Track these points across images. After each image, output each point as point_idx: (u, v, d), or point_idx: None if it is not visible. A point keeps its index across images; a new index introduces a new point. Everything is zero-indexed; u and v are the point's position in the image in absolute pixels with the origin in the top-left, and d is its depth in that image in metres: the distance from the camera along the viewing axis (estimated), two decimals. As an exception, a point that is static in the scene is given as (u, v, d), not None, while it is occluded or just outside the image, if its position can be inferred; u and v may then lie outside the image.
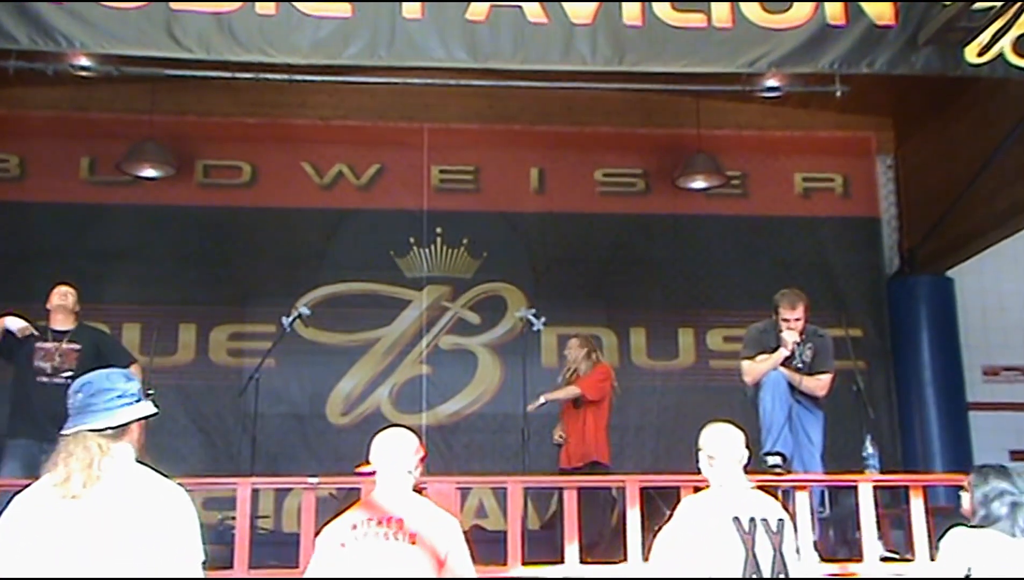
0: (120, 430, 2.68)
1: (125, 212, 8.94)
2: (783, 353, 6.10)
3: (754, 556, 3.68)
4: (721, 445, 3.96)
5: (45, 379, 6.02)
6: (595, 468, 6.90)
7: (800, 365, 6.21)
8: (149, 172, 8.64)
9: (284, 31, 5.74)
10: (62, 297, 6.28)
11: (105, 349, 6.23)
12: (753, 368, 6.20)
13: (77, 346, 6.15)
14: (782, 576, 3.70)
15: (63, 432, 2.67)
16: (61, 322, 6.26)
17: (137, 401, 2.74)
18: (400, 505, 3.79)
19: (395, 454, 3.91)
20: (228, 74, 6.54)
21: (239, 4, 5.70)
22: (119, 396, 2.70)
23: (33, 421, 5.80)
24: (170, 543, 2.54)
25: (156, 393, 6.89)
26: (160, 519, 2.55)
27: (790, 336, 6.11)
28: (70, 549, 2.49)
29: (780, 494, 5.37)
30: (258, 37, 5.70)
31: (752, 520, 3.75)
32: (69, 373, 5.88)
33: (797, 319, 6.15)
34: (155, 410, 2.79)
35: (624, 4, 5.85)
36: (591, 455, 6.95)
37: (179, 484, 2.70)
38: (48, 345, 6.14)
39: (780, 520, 3.82)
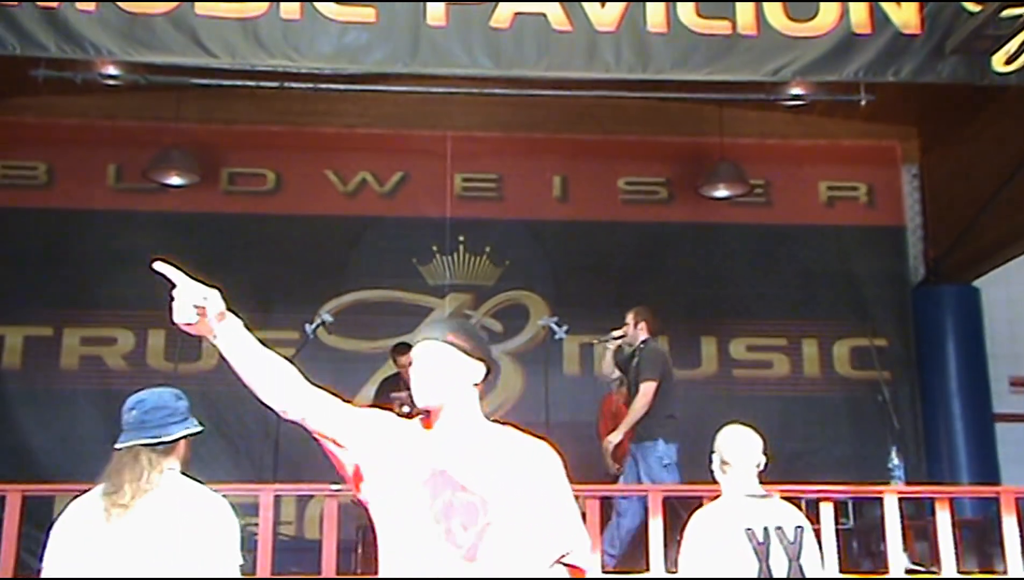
0: (170, 446, 2.92)
1: (151, 219, 9.00)
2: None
3: (768, 568, 3.54)
4: (736, 450, 3.80)
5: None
6: None
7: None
8: (175, 180, 8.69)
9: (308, 36, 5.77)
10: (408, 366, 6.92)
11: None
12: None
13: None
14: None
15: (117, 446, 2.89)
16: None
17: (185, 419, 3.00)
18: None
19: None
20: (253, 83, 6.59)
21: (263, 9, 5.74)
22: (170, 414, 2.95)
23: None
24: (210, 548, 2.76)
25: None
26: (202, 527, 2.79)
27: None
28: (117, 554, 2.70)
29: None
30: (282, 42, 5.74)
31: (766, 530, 3.60)
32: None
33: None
34: (201, 427, 3.05)
35: (649, 11, 5.84)
36: None
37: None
38: (401, 394, 7.05)
39: (798, 528, 3.66)
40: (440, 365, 2.51)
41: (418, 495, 2.37)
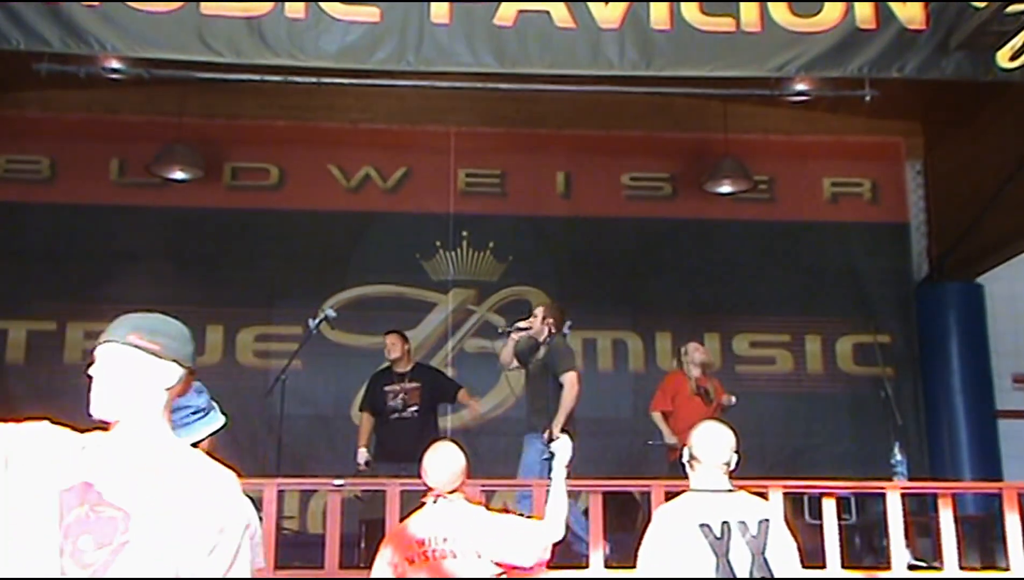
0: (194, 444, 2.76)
1: (154, 214, 9.02)
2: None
3: (728, 563, 3.44)
4: (706, 446, 3.72)
5: (396, 416, 7.20)
6: None
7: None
8: (178, 174, 8.71)
9: (313, 35, 5.77)
10: (394, 349, 7.35)
11: (437, 381, 7.50)
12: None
13: (417, 384, 7.26)
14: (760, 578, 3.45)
15: None
16: (401, 366, 7.36)
17: (207, 413, 2.83)
18: (461, 519, 3.79)
19: (452, 473, 3.87)
20: (257, 77, 6.57)
21: (268, 8, 5.74)
22: (193, 412, 2.79)
23: (392, 448, 7.03)
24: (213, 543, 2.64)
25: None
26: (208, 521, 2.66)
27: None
28: None
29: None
30: (287, 41, 5.75)
31: (726, 524, 3.50)
32: (415, 408, 7.18)
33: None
34: (224, 421, 2.86)
35: (652, 9, 5.83)
36: None
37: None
38: (395, 387, 7.29)
39: (763, 521, 3.55)
40: (120, 372, 2.18)
41: (50, 506, 2.06)
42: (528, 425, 6.59)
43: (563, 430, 6.19)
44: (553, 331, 6.65)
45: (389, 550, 3.81)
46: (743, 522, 3.53)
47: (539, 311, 6.75)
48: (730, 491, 3.70)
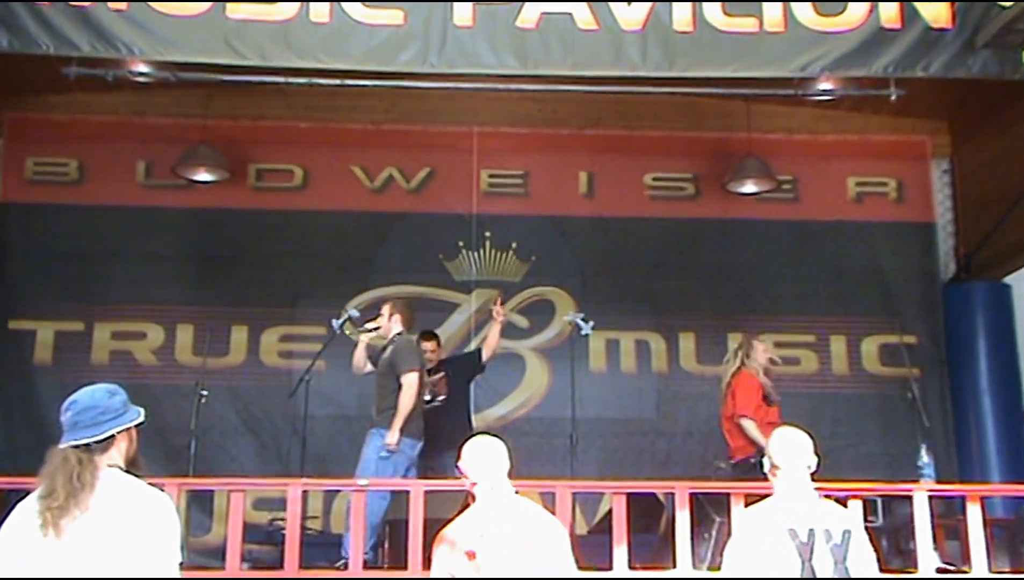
0: (105, 443, 2.91)
1: (179, 215, 9.09)
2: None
3: (812, 569, 3.54)
4: (786, 453, 3.82)
5: (427, 406, 6.99)
6: None
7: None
8: (203, 176, 8.77)
9: (337, 39, 5.81)
10: (433, 353, 7.39)
11: (457, 362, 7.57)
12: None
13: (440, 374, 7.27)
14: None
15: (55, 448, 2.92)
16: (430, 364, 7.32)
17: (120, 414, 2.97)
18: (513, 512, 3.75)
19: (502, 463, 3.84)
20: (281, 79, 6.64)
21: (294, 13, 5.77)
22: (102, 412, 2.93)
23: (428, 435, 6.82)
24: (149, 544, 2.77)
25: (210, 394, 7.01)
26: (138, 522, 2.79)
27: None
28: (55, 557, 2.74)
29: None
30: (312, 45, 5.78)
31: (811, 531, 3.60)
32: (443, 397, 7.17)
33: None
34: (140, 419, 3.01)
35: (675, 9, 5.82)
36: None
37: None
38: (427, 379, 7.21)
39: (846, 531, 3.66)
40: None
41: None
42: (372, 422, 6.55)
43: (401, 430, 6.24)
44: (401, 329, 6.65)
45: (445, 547, 3.72)
46: (828, 530, 3.64)
47: (386, 309, 6.75)
48: (815, 498, 3.81)
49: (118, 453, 2.94)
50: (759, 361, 6.86)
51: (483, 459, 3.84)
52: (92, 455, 2.87)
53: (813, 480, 3.87)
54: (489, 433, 4.06)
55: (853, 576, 3.57)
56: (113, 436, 2.92)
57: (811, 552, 3.57)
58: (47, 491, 2.80)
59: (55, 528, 2.74)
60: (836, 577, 3.56)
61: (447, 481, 5.94)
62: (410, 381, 6.40)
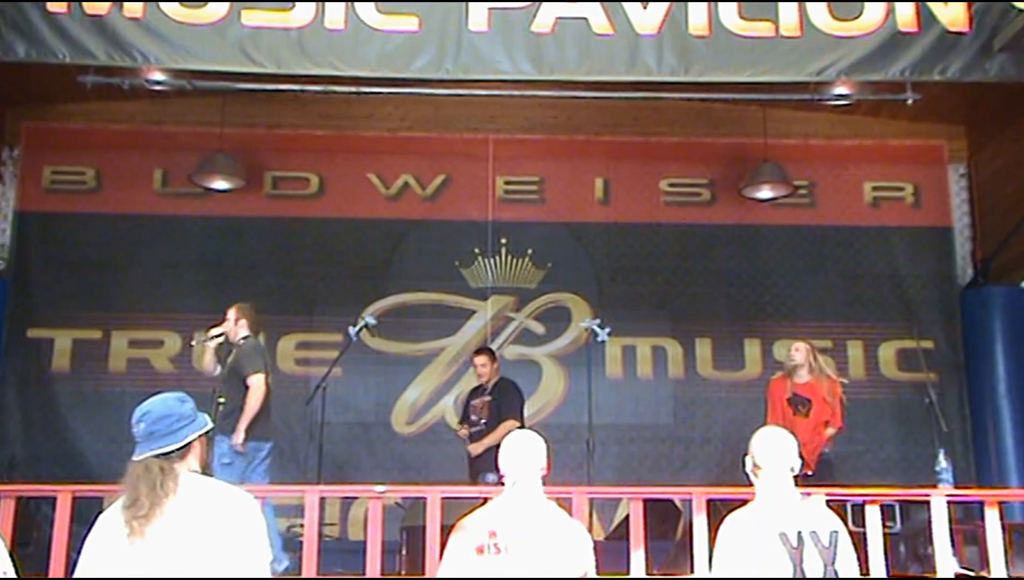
0: (183, 450, 2.94)
1: (196, 223, 9.13)
2: None
3: (802, 572, 3.49)
4: (769, 453, 3.74)
5: (475, 429, 7.33)
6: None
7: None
8: (220, 184, 8.80)
9: (352, 45, 5.81)
10: (483, 370, 7.56)
11: (502, 401, 7.38)
12: None
13: (490, 398, 7.38)
14: None
15: (132, 459, 2.94)
16: (485, 381, 7.55)
17: (193, 421, 3.01)
18: (537, 513, 3.68)
19: (532, 460, 3.78)
20: (297, 87, 6.65)
21: (309, 19, 5.80)
22: (177, 420, 2.97)
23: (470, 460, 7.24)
24: (236, 544, 2.79)
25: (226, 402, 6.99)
26: (228, 523, 2.81)
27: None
28: (144, 565, 2.75)
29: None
30: (327, 51, 5.80)
31: (800, 534, 3.55)
32: (485, 421, 7.25)
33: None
34: (210, 425, 3.06)
35: (691, 14, 5.81)
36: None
37: (247, 491, 2.91)
38: (476, 402, 7.50)
39: (833, 533, 3.61)
40: None
41: None
42: (219, 427, 6.35)
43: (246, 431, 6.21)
44: (247, 333, 6.62)
45: (458, 540, 3.65)
46: (815, 532, 3.59)
47: (231, 313, 6.69)
48: (799, 499, 3.74)
49: (195, 458, 2.98)
50: (790, 363, 7.09)
51: (512, 453, 3.80)
52: (172, 463, 2.90)
53: (815, 485, 3.82)
54: (534, 430, 4.03)
55: (842, 577, 3.54)
56: (190, 443, 2.96)
57: (802, 556, 3.52)
58: (131, 501, 2.83)
59: (142, 536, 2.77)
60: (827, 578, 3.52)
61: (462, 487, 5.94)
62: (256, 383, 6.34)
